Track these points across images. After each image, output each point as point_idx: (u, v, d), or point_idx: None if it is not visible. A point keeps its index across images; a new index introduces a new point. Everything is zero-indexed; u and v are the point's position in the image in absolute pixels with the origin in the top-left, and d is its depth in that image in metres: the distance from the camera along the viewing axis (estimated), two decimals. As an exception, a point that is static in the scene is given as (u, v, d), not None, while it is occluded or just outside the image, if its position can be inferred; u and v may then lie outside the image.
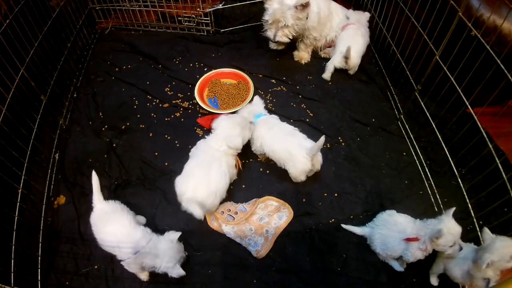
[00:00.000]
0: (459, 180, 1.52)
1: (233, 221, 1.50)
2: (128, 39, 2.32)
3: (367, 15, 2.14)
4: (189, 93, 2.00)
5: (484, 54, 1.29)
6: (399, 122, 1.91)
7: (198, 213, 1.34)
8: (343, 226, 1.51)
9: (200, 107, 1.90)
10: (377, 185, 1.65)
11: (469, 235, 1.40)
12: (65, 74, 1.99)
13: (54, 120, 1.82)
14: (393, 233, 1.35)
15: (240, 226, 1.49)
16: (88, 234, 1.41)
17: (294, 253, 1.46)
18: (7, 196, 1.35)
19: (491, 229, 1.25)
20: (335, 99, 2.00)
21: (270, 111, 1.85)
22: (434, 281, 1.39)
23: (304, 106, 1.96)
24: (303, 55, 2.18)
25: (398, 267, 1.41)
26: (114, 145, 1.77)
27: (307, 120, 1.89)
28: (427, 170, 1.69)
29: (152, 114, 1.91)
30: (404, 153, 1.79)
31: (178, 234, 1.28)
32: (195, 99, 1.91)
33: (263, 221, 1.52)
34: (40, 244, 1.44)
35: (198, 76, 2.02)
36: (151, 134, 1.82)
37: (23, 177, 1.45)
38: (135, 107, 1.94)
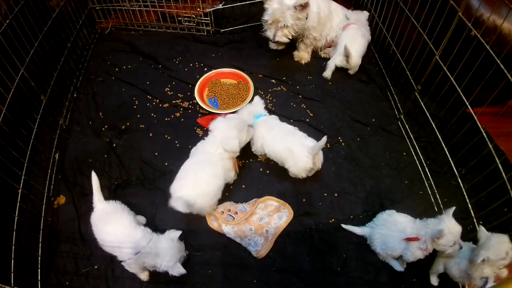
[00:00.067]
0: (459, 180, 1.52)
1: (233, 221, 1.50)
2: (128, 39, 2.32)
3: (366, 14, 2.15)
4: (189, 93, 2.00)
5: (484, 54, 1.29)
6: (399, 122, 1.91)
7: (182, 210, 1.35)
8: (343, 226, 1.51)
9: (200, 107, 1.90)
10: (377, 185, 1.65)
11: (469, 235, 1.40)
12: (65, 74, 1.99)
13: (54, 120, 1.82)
14: (393, 233, 1.35)
15: (240, 226, 1.49)
16: (88, 234, 1.41)
17: (294, 253, 1.46)
18: (7, 196, 1.35)
19: (491, 229, 1.25)
20: (335, 99, 2.00)
21: (270, 111, 1.85)
22: (434, 281, 1.39)
23: (304, 106, 1.96)
24: (303, 55, 2.18)
25: (398, 267, 1.41)
26: (114, 145, 1.77)
27: (307, 120, 1.89)
28: (427, 170, 1.69)
29: (152, 114, 1.91)
30: (404, 153, 1.79)
31: (179, 233, 1.28)
32: (195, 99, 1.91)
33: (263, 221, 1.52)
34: (40, 244, 1.44)
35: (198, 76, 2.02)
36: (151, 134, 1.82)
37: (23, 177, 1.45)
38: (135, 107, 1.94)
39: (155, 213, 1.54)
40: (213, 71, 2.05)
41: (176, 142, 1.78)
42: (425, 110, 1.70)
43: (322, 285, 1.39)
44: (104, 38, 2.37)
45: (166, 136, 1.81)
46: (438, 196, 1.60)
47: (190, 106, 1.95)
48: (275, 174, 1.66)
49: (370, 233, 1.44)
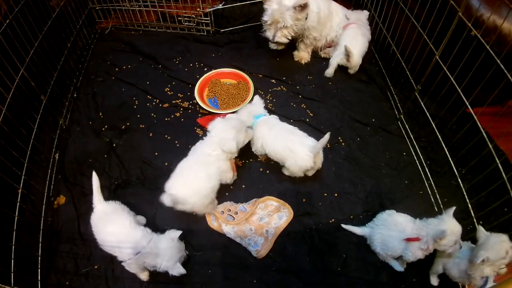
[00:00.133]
0: (459, 180, 1.52)
1: (233, 221, 1.50)
2: (128, 39, 2.32)
3: (366, 13, 2.15)
4: (189, 93, 2.00)
5: (484, 54, 1.29)
6: (399, 122, 1.91)
7: (170, 205, 1.34)
8: (343, 226, 1.51)
9: (200, 107, 1.90)
10: (377, 185, 1.65)
11: (469, 235, 1.40)
12: (65, 74, 1.99)
13: (54, 120, 1.82)
14: (393, 233, 1.35)
15: (240, 226, 1.49)
16: (88, 234, 1.41)
17: (294, 253, 1.46)
18: (7, 196, 1.35)
19: (491, 229, 1.25)
20: (335, 99, 2.00)
21: (270, 111, 1.85)
22: (434, 281, 1.39)
23: (304, 106, 1.96)
24: (303, 55, 2.18)
25: (398, 267, 1.41)
26: (114, 145, 1.77)
27: (307, 120, 1.89)
28: (427, 170, 1.69)
29: (152, 114, 1.91)
30: (404, 153, 1.79)
31: (179, 232, 1.28)
32: (195, 99, 1.91)
33: (263, 221, 1.52)
34: (40, 244, 1.44)
35: (198, 76, 2.02)
36: (151, 134, 1.82)
37: (23, 177, 1.45)
38: (135, 107, 1.94)
39: (155, 213, 1.54)
40: (213, 71, 2.05)
41: (176, 142, 1.78)
42: (425, 110, 1.70)
43: (322, 285, 1.39)
44: (104, 38, 2.37)
45: (166, 136, 1.81)
46: (438, 196, 1.60)
47: (190, 106, 1.95)
48: (275, 174, 1.66)
49: (370, 233, 1.44)
